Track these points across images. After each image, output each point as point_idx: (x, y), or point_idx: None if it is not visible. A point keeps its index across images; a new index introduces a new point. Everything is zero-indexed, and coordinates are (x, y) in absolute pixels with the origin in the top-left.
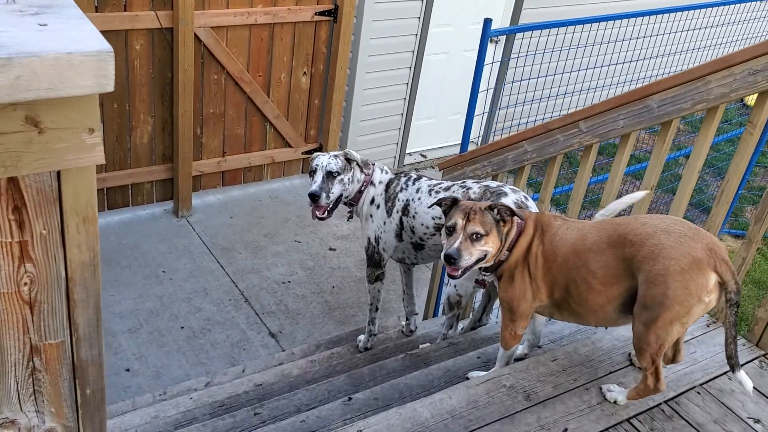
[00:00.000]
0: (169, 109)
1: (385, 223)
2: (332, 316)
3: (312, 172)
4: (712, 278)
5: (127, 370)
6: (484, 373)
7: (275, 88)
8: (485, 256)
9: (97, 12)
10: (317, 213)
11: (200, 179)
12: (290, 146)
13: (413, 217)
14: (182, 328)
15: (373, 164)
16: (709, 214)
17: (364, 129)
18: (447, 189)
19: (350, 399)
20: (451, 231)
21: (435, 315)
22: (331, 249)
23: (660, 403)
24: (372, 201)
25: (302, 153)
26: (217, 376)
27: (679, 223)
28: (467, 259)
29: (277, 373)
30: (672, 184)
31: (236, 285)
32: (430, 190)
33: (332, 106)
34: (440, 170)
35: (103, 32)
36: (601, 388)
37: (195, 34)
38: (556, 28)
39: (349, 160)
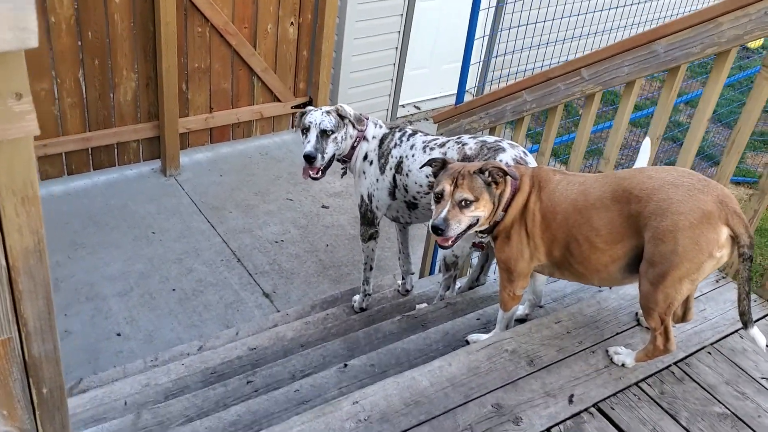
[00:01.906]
0: (152, 64)
1: (378, 180)
2: (327, 275)
3: (304, 130)
4: (724, 232)
5: (118, 334)
6: (485, 336)
7: (262, 40)
8: (477, 221)
9: None
10: (311, 173)
11: (188, 137)
12: (279, 101)
13: (406, 175)
14: (173, 290)
15: (367, 118)
16: (713, 164)
17: (355, 81)
18: (442, 145)
19: (345, 366)
20: (438, 198)
21: (431, 273)
22: (323, 207)
23: (669, 365)
24: (365, 157)
25: (292, 107)
26: (210, 340)
27: (688, 175)
28: (456, 228)
29: (272, 336)
30: (671, 132)
31: (228, 245)
32: (424, 147)
33: (321, 58)
34: (435, 123)
35: None
36: (607, 351)
37: None
38: None
39: (341, 116)
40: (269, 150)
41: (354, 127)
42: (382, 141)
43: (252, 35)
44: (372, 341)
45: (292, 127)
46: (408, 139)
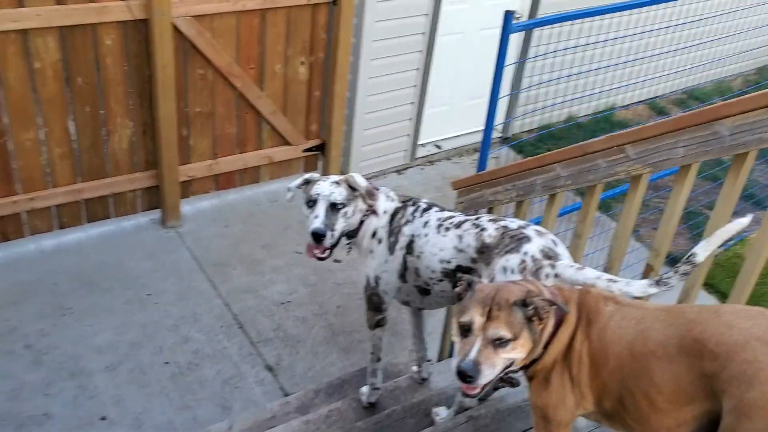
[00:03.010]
0: (149, 110)
1: (386, 261)
2: (336, 343)
3: (311, 202)
4: None
5: (103, 418)
6: None
7: (270, 81)
8: (512, 364)
9: (58, 5)
10: (317, 253)
11: (190, 184)
12: (289, 144)
13: (418, 257)
14: (167, 363)
15: (377, 189)
16: None
17: (371, 122)
18: (458, 226)
19: None
20: (466, 330)
21: (451, 354)
22: (336, 261)
23: None
24: (374, 234)
25: (303, 151)
26: None
27: None
28: (488, 374)
29: None
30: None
31: (229, 308)
32: (439, 226)
33: (335, 98)
34: (454, 189)
35: (67, 27)
36: None
37: (174, 25)
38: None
39: (352, 187)
40: (279, 196)
41: (364, 200)
42: (393, 216)
43: (259, 76)
44: None
45: (305, 171)
46: (421, 215)
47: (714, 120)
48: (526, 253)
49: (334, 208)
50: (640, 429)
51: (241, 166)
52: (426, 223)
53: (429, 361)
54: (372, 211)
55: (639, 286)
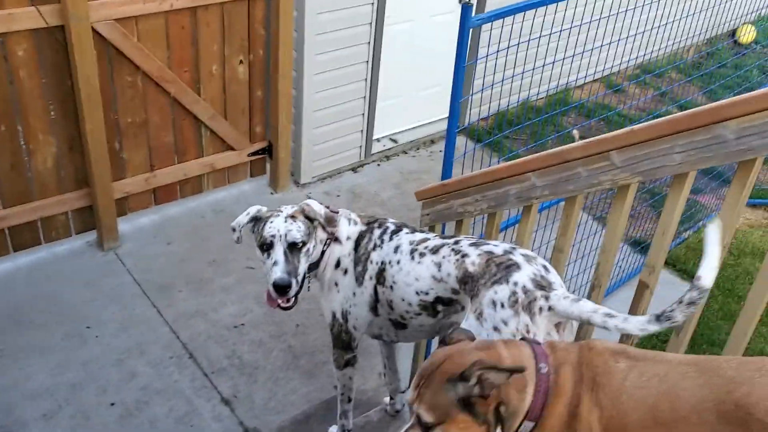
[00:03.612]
0: (74, 123)
1: (354, 294)
2: (298, 367)
3: (266, 247)
4: None
5: None
6: None
7: (207, 83)
8: None
9: None
10: (281, 303)
11: (127, 201)
12: (233, 149)
13: (391, 287)
14: (113, 404)
15: (337, 213)
16: None
17: (321, 119)
18: (435, 251)
19: None
20: (410, 406)
21: None
22: None
23: None
24: (337, 264)
25: (248, 155)
26: None
27: None
28: None
29: None
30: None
31: (177, 336)
32: (412, 251)
33: (279, 97)
34: (418, 200)
35: None
36: None
37: (94, 30)
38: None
39: (309, 218)
40: (225, 206)
41: (324, 229)
42: (357, 242)
43: (194, 79)
44: None
45: (251, 176)
46: (390, 239)
47: (716, 122)
48: (516, 284)
49: (293, 248)
50: None
51: (182, 177)
52: (397, 248)
53: (403, 392)
54: (334, 238)
55: (637, 323)
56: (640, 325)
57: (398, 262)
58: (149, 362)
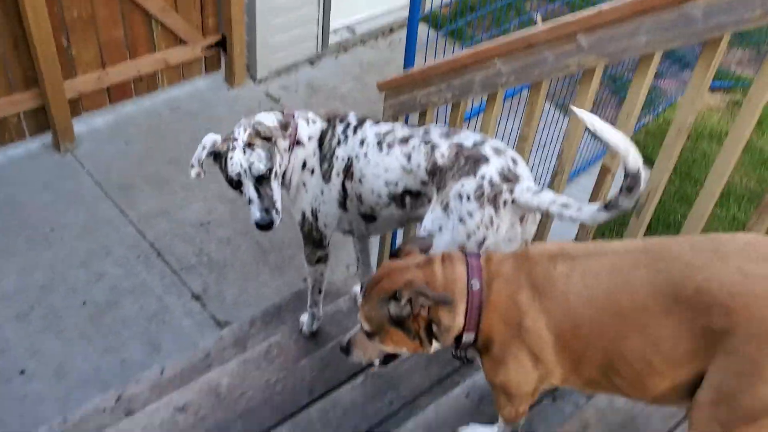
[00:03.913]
0: (17, 21)
1: (322, 192)
2: (266, 262)
3: (234, 184)
4: None
5: (22, 372)
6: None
7: None
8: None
9: None
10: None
11: (80, 100)
12: (185, 43)
13: (359, 181)
14: (84, 303)
15: (294, 116)
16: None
17: (275, 10)
18: (404, 141)
19: None
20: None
21: None
22: None
23: None
24: (303, 165)
25: (202, 50)
26: (129, 385)
27: None
28: (358, 357)
29: (203, 387)
30: None
31: (143, 235)
32: (378, 143)
33: None
34: (380, 91)
35: None
36: None
37: None
38: None
39: (266, 137)
40: (181, 103)
41: (284, 137)
42: (321, 140)
43: None
44: (329, 422)
45: (206, 71)
46: (355, 133)
47: (686, 0)
48: (483, 177)
49: (262, 180)
50: (634, 393)
51: (135, 74)
52: (362, 141)
53: None
54: (296, 142)
55: (589, 213)
56: (591, 214)
57: (365, 155)
58: (116, 262)
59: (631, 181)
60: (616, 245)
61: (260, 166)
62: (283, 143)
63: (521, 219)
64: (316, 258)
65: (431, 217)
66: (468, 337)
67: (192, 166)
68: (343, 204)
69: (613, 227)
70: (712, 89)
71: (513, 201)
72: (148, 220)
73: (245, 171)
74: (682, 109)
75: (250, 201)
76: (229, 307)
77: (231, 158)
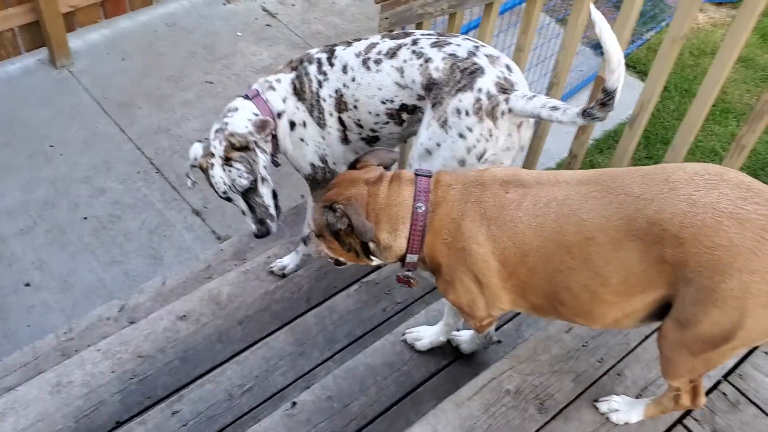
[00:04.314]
0: None
1: (323, 137)
2: None
3: (226, 199)
4: None
5: (27, 284)
6: (427, 331)
7: None
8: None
9: None
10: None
11: (74, 15)
12: None
13: (355, 107)
14: (85, 218)
15: (258, 93)
16: None
17: None
18: (392, 55)
19: (294, 405)
20: None
21: None
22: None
23: (719, 382)
24: (292, 126)
25: None
26: (132, 296)
27: (754, 198)
28: (312, 250)
29: (203, 296)
30: None
31: (143, 152)
32: (363, 62)
33: None
34: (376, 2)
35: None
36: (597, 406)
37: None
38: None
39: (242, 147)
40: (177, 18)
41: (263, 138)
42: (298, 93)
43: None
44: (326, 327)
45: None
46: (331, 65)
47: None
48: (480, 90)
49: (249, 191)
50: (582, 321)
51: None
52: (344, 67)
53: None
54: (273, 119)
55: (570, 115)
56: (572, 117)
57: (354, 80)
58: (117, 178)
59: (605, 98)
60: (569, 175)
61: (243, 182)
62: (263, 143)
63: (518, 126)
64: None
65: (427, 134)
66: (411, 259)
67: (188, 176)
68: (345, 138)
69: (611, 143)
70: (719, 4)
71: (510, 110)
72: (148, 137)
73: (230, 188)
74: (677, 18)
75: (243, 213)
76: (229, 221)
77: (213, 177)
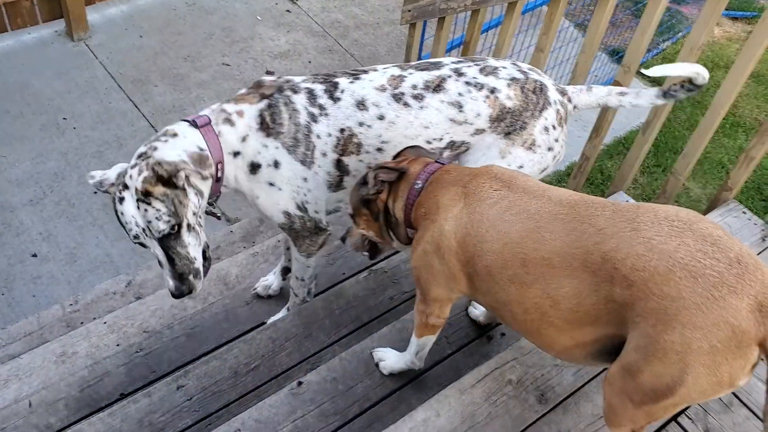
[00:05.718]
0: None
1: (306, 179)
2: None
3: (138, 244)
4: (755, 354)
5: (34, 255)
6: (393, 356)
7: None
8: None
9: None
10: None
11: None
12: None
13: (378, 150)
14: (95, 192)
15: (207, 119)
16: None
17: None
18: (436, 88)
19: (300, 384)
20: None
21: None
22: (268, 72)
23: None
24: (253, 168)
25: None
26: (140, 272)
27: (712, 252)
28: (350, 242)
29: (212, 275)
30: None
31: (156, 129)
32: (397, 98)
33: None
34: None
35: None
36: None
37: None
38: None
39: (169, 182)
40: None
41: (201, 175)
42: (266, 129)
43: None
44: (333, 312)
45: None
46: (335, 99)
47: None
48: (555, 102)
49: (168, 238)
50: (532, 340)
51: None
52: (360, 103)
53: None
54: (220, 161)
55: (648, 97)
56: (650, 98)
57: (381, 118)
58: (129, 155)
59: (694, 88)
60: (555, 191)
61: (161, 226)
62: (200, 182)
63: None
64: (320, 244)
65: (503, 163)
66: (411, 234)
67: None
68: (338, 184)
69: (621, 149)
70: (734, 18)
71: (575, 107)
72: (161, 116)
73: (144, 231)
74: (696, 28)
75: (160, 264)
76: (239, 204)
77: (122, 215)
